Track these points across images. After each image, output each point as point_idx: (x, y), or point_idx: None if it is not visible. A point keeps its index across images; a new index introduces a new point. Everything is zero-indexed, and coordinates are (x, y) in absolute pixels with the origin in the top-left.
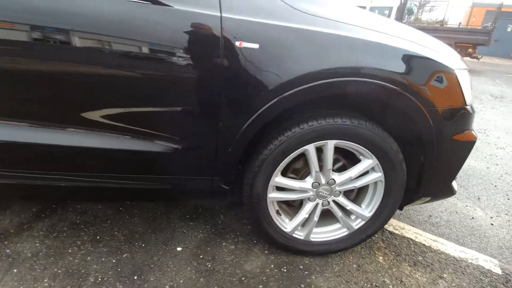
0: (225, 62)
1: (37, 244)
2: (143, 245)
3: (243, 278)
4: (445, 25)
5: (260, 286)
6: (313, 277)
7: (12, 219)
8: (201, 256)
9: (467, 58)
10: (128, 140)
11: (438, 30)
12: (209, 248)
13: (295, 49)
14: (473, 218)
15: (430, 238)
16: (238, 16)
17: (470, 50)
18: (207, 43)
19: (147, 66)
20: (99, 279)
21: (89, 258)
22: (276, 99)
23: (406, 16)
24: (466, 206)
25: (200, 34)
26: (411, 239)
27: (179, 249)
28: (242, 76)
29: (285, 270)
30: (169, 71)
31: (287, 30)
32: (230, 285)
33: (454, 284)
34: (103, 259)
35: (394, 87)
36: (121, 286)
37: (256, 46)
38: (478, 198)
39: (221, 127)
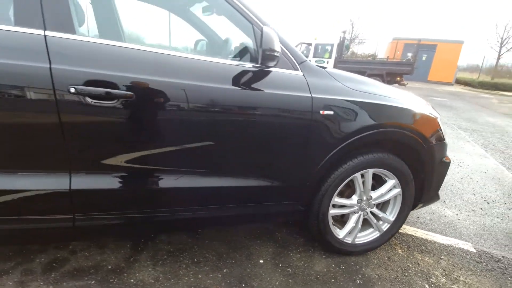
0: (314, 123)
1: (152, 272)
2: (233, 261)
3: (318, 276)
4: (376, 58)
5: (332, 280)
6: (363, 270)
7: (116, 255)
8: (280, 265)
9: (396, 85)
10: (247, 180)
11: (371, 63)
12: (282, 258)
13: (355, 113)
14: (445, 216)
15: (424, 233)
16: (320, 95)
17: (398, 78)
18: (304, 112)
19: (272, 131)
20: None
21: (200, 276)
22: (343, 144)
23: (345, 51)
24: (438, 208)
25: (300, 107)
26: (413, 235)
27: (261, 261)
28: (323, 132)
29: (343, 267)
30: (283, 133)
31: (349, 102)
32: (311, 283)
33: (450, 262)
34: (211, 275)
35: (410, 133)
36: None
37: (331, 112)
38: (444, 201)
39: (308, 168)
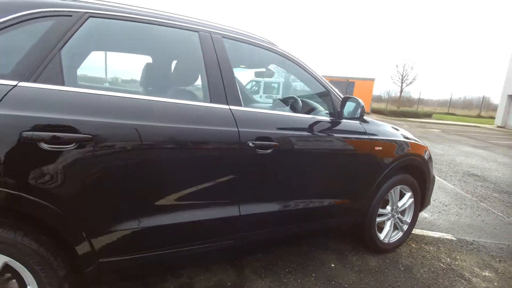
0: (371, 156)
1: (263, 282)
2: (314, 268)
3: (376, 269)
4: None
5: (386, 270)
6: (401, 260)
7: (226, 274)
8: (346, 265)
9: None
10: (329, 199)
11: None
12: (345, 261)
13: (393, 147)
14: (425, 217)
15: (420, 231)
16: (373, 136)
17: None
18: (365, 148)
19: (347, 162)
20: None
21: (299, 280)
22: (387, 169)
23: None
24: None
25: (364, 144)
26: (414, 233)
27: (332, 265)
28: (377, 161)
29: (387, 261)
30: (355, 163)
31: (389, 140)
32: (374, 274)
33: (446, 248)
34: (306, 279)
35: (417, 157)
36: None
37: (381, 148)
38: None
39: (368, 188)
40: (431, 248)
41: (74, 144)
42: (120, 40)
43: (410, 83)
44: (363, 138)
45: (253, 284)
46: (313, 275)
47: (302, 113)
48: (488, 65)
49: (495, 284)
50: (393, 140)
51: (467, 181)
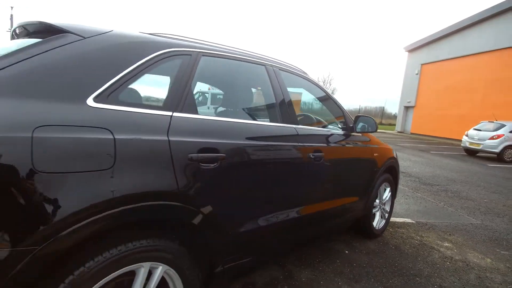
0: (372, 159)
1: (311, 272)
2: (333, 256)
3: (376, 250)
4: None
5: (384, 249)
6: (391, 241)
7: (288, 268)
8: (356, 250)
9: None
10: (350, 198)
11: None
12: (353, 247)
13: (384, 152)
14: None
15: (398, 219)
16: (373, 145)
17: None
18: (369, 154)
19: (358, 165)
20: (370, 274)
21: (331, 266)
22: (382, 169)
23: None
24: None
25: (369, 150)
26: (396, 221)
27: (346, 252)
28: (375, 164)
29: (381, 243)
30: (363, 165)
31: (381, 147)
32: (378, 253)
33: (411, 229)
34: (335, 264)
35: (394, 160)
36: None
37: (377, 153)
38: None
39: (372, 186)
40: (403, 230)
41: (216, 163)
42: (218, 73)
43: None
44: (368, 146)
45: (300, 274)
46: (337, 261)
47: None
48: (388, 79)
49: (455, 250)
50: (382, 147)
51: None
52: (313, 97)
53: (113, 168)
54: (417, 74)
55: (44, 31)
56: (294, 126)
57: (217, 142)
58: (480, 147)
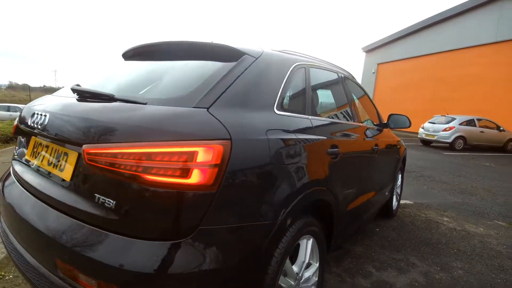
0: (398, 149)
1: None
2: (370, 234)
3: (398, 226)
4: None
5: (403, 225)
6: (403, 219)
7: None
8: (384, 228)
9: None
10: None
11: None
12: (381, 226)
13: (401, 144)
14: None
15: (401, 201)
16: (399, 140)
17: None
18: (396, 145)
19: (388, 158)
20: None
21: (374, 252)
22: (401, 158)
23: None
24: None
25: (396, 142)
26: (400, 203)
27: (377, 229)
28: (399, 153)
29: (399, 221)
30: (393, 154)
31: (401, 140)
32: (401, 228)
33: (414, 208)
34: (381, 249)
35: (405, 149)
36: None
37: (399, 146)
38: None
39: (395, 174)
40: (408, 210)
41: (337, 156)
42: (319, 81)
43: None
44: (394, 139)
45: (355, 249)
46: (375, 237)
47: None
48: None
49: (454, 223)
50: (399, 139)
51: None
52: (356, 97)
53: (300, 160)
54: (373, 73)
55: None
56: (363, 124)
57: (337, 139)
58: (435, 138)
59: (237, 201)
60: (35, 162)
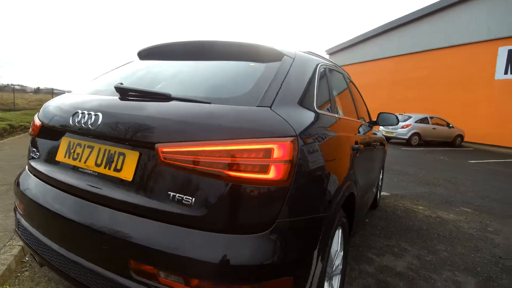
0: (383, 146)
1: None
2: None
3: (384, 216)
4: None
5: (387, 215)
6: (385, 209)
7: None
8: (372, 218)
9: None
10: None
11: None
12: (369, 216)
13: (384, 141)
14: None
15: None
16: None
17: None
18: (383, 142)
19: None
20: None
21: (379, 227)
22: (384, 153)
23: None
24: None
25: (383, 140)
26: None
27: (367, 220)
28: (383, 149)
29: (382, 211)
30: (381, 150)
31: (383, 137)
32: (386, 219)
33: (392, 199)
34: (377, 240)
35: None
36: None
37: (384, 142)
38: None
39: (381, 167)
40: (388, 200)
41: (357, 151)
42: (333, 80)
43: None
44: (382, 135)
45: (352, 240)
46: (367, 227)
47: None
48: None
49: (429, 211)
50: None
51: None
52: (355, 96)
53: (340, 155)
54: None
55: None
56: (368, 121)
57: (357, 136)
58: (393, 135)
59: (304, 195)
60: (75, 164)
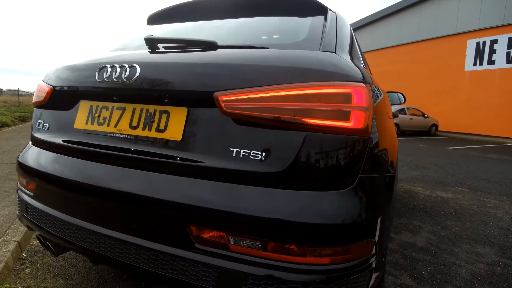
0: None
1: None
2: None
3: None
4: None
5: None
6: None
7: None
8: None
9: None
10: None
11: None
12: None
13: None
14: None
15: None
16: None
17: None
18: None
19: None
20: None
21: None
22: None
23: None
24: None
25: None
26: None
27: None
28: None
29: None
30: None
31: None
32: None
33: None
34: None
35: None
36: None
37: None
38: None
39: None
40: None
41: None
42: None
43: None
44: None
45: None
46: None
47: None
48: None
49: (428, 191)
50: None
51: None
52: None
53: (391, 115)
54: None
55: None
56: None
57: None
58: None
59: (380, 149)
60: (102, 129)
